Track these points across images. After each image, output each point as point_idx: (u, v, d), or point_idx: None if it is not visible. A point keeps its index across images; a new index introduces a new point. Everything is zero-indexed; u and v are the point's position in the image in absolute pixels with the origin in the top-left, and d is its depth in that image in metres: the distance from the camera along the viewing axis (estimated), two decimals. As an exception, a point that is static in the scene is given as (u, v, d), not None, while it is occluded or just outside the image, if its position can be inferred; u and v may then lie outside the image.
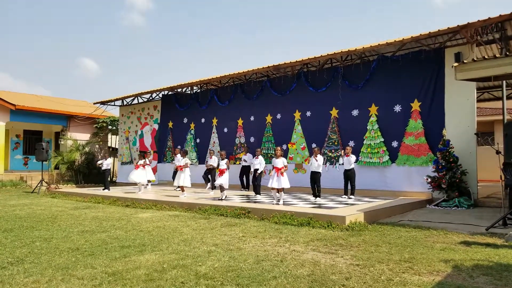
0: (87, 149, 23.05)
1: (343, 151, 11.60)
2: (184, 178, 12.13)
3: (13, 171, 23.06)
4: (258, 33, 70.56)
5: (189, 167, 12.40)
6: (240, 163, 14.93)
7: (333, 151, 13.29)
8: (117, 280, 4.23)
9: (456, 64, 7.71)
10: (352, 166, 11.15)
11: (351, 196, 11.10)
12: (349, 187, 11.28)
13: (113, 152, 24.02)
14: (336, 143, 13.28)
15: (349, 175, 11.18)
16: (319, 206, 9.39)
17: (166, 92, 19.30)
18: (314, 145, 11.35)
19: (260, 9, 70.59)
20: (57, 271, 4.60)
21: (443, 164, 10.54)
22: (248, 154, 14.51)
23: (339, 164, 11.09)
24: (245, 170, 14.47)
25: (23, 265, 4.84)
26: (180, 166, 12.27)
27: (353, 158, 11.16)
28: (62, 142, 23.92)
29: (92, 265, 4.81)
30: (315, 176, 10.80)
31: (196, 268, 4.68)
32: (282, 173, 9.78)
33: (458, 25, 10.10)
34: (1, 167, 20.78)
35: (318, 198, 10.68)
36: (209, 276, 4.36)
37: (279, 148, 10.45)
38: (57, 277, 4.36)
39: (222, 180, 11.10)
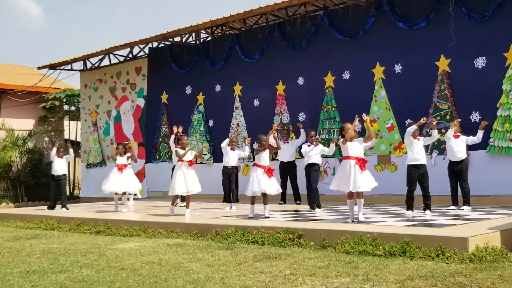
0: (30, 144, 23.52)
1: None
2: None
3: None
4: None
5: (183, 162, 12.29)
6: (277, 158, 14.70)
7: (443, 130, 12.88)
8: None
9: None
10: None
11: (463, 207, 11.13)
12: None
13: (73, 147, 24.38)
14: (447, 116, 12.91)
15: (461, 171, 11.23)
16: (423, 223, 9.36)
17: (155, 43, 19.41)
18: (408, 121, 11.09)
19: None
20: None
21: None
22: (291, 141, 14.53)
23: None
24: (287, 169, 14.33)
25: None
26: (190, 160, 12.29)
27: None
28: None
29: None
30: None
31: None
32: (364, 166, 9.61)
33: None
34: None
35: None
36: None
37: (348, 124, 10.01)
38: None
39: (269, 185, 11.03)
